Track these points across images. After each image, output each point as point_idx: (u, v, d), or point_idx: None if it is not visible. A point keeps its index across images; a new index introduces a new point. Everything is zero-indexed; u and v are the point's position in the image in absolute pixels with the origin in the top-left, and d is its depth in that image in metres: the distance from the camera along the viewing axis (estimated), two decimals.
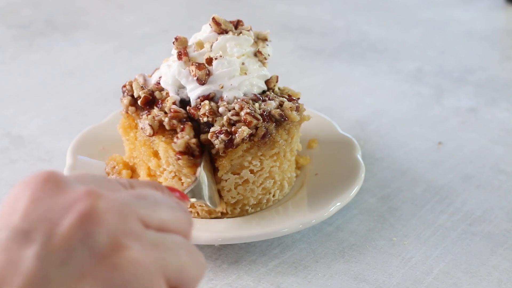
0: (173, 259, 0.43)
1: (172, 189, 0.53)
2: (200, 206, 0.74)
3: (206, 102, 0.73)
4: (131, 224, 0.41)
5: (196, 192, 0.68)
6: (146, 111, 0.75)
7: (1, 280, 0.37)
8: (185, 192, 0.66)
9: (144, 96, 0.76)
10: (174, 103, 0.74)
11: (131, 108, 0.76)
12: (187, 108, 0.74)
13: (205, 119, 0.72)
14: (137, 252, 0.40)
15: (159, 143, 0.72)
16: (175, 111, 0.73)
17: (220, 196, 0.74)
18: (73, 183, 0.43)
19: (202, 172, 0.70)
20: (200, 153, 0.72)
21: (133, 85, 0.77)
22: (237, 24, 0.78)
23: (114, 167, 0.81)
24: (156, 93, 0.76)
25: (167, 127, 0.73)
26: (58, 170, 0.44)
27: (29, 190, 0.41)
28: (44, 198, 0.41)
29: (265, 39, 0.79)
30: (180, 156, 0.71)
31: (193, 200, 0.67)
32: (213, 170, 0.73)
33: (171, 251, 0.43)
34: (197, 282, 0.44)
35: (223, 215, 0.75)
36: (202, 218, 0.75)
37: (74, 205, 0.40)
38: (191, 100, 0.74)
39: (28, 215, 0.40)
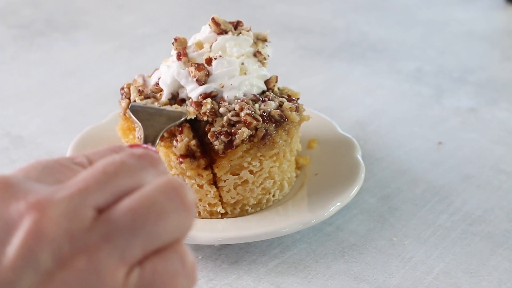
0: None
1: (133, 146, 0.46)
2: (202, 206, 0.74)
3: (209, 100, 0.73)
4: (81, 225, 0.38)
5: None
6: None
7: None
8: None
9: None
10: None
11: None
12: (190, 100, 0.74)
13: (205, 118, 0.72)
14: (86, 263, 0.37)
15: (159, 148, 0.72)
16: None
17: (220, 197, 0.75)
18: (21, 187, 0.39)
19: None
20: (202, 153, 0.72)
21: (131, 89, 0.77)
22: (236, 25, 0.78)
23: None
24: (152, 99, 0.76)
25: (164, 134, 0.72)
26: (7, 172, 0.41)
27: None
28: None
29: (264, 40, 0.79)
30: (182, 160, 0.71)
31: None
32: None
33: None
34: None
35: (223, 215, 0.75)
36: (202, 218, 0.75)
37: (19, 222, 0.37)
38: (192, 100, 0.74)
39: None
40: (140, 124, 0.69)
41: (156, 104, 0.74)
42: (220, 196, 0.74)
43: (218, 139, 0.71)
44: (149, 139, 0.66)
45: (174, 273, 0.39)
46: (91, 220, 0.38)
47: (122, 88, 0.79)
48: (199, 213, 0.75)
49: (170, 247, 0.39)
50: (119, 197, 0.39)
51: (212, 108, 0.72)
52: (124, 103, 0.77)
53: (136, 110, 0.72)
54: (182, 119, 0.71)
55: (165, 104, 0.75)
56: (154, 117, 0.71)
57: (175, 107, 0.73)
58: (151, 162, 0.41)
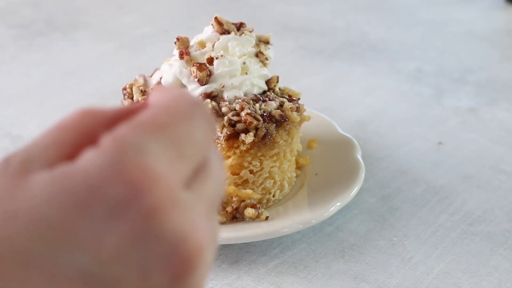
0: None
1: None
2: None
3: (208, 101, 0.73)
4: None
5: None
6: None
7: None
8: None
9: None
10: None
11: None
12: None
13: None
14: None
15: None
16: None
17: None
18: None
19: None
20: None
21: (133, 89, 0.77)
22: (239, 26, 0.78)
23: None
24: None
25: None
26: None
27: None
28: None
29: (267, 42, 0.79)
30: None
31: None
32: None
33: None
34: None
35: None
36: None
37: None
38: None
39: None
40: None
41: None
42: None
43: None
44: None
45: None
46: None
47: (125, 88, 0.79)
48: None
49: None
50: None
51: (212, 108, 0.72)
52: (126, 103, 0.77)
53: None
54: None
55: None
56: None
57: None
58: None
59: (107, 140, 0.32)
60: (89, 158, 0.32)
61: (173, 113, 0.34)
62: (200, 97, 0.73)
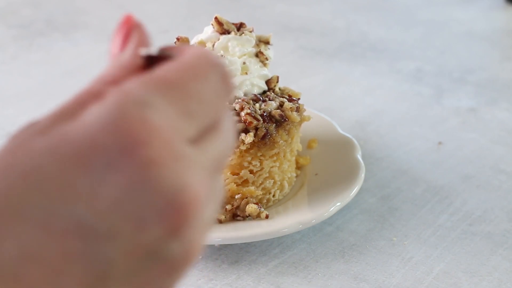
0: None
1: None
2: None
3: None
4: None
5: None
6: None
7: None
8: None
9: None
10: None
11: None
12: None
13: None
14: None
15: None
16: None
17: None
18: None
19: None
20: None
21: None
22: (240, 26, 0.78)
23: None
24: None
25: None
26: None
27: None
28: None
29: (267, 42, 0.79)
30: None
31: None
32: None
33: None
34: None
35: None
36: None
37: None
38: None
39: None
40: None
41: None
42: None
43: None
44: None
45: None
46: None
47: None
48: None
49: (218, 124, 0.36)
50: None
51: None
52: None
53: None
54: None
55: None
56: None
57: None
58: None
59: (112, 94, 0.32)
60: (92, 111, 0.31)
61: (186, 71, 0.34)
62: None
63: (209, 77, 0.34)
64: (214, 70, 0.35)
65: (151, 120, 0.31)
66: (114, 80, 0.34)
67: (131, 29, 0.37)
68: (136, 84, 0.32)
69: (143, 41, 0.36)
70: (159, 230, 0.31)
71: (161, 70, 0.34)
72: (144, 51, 0.36)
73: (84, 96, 0.33)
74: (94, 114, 0.31)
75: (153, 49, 0.36)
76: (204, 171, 0.33)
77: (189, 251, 0.32)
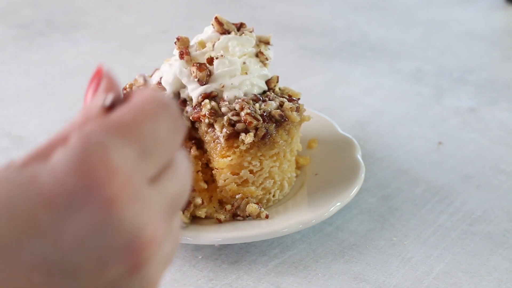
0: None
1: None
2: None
3: (207, 101, 0.73)
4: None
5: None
6: None
7: None
8: None
9: None
10: None
11: None
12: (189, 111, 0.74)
13: (206, 120, 0.72)
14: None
15: None
16: None
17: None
18: None
19: None
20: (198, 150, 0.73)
21: (133, 89, 0.77)
22: (240, 26, 0.78)
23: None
24: None
25: None
26: None
27: None
28: None
29: (267, 43, 0.79)
30: None
31: None
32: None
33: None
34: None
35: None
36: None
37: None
38: (193, 99, 0.74)
39: None
40: None
41: None
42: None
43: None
44: None
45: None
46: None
47: (125, 88, 0.79)
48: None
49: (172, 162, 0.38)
50: None
51: (212, 108, 0.72)
52: None
53: None
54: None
55: None
56: None
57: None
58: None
59: (74, 138, 0.34)
60: (57, 155, 0.34)
61: (139, 112, 0.36)
62: (200, 97, 0.73)
63: (160, 117, 0.37)
64: (164, 110, 0.37)
65: (111, 160, 0.33)
66: (80, 126, 0.36)
67: (100, 79, 0.40)
68: (95, 127, 0.34)
69: (111, 88, 0.39)
70: (120, 268, 0.33)
71: (116, 113, 0.36)
72: (108, 99, 0.38)
73: (55, 140, 0.36)
74: (59, 157, 0.33)
75: (115, 96, 0.38)
76: (162, 211, 0.35)
77: (149, 286, 0.35)
